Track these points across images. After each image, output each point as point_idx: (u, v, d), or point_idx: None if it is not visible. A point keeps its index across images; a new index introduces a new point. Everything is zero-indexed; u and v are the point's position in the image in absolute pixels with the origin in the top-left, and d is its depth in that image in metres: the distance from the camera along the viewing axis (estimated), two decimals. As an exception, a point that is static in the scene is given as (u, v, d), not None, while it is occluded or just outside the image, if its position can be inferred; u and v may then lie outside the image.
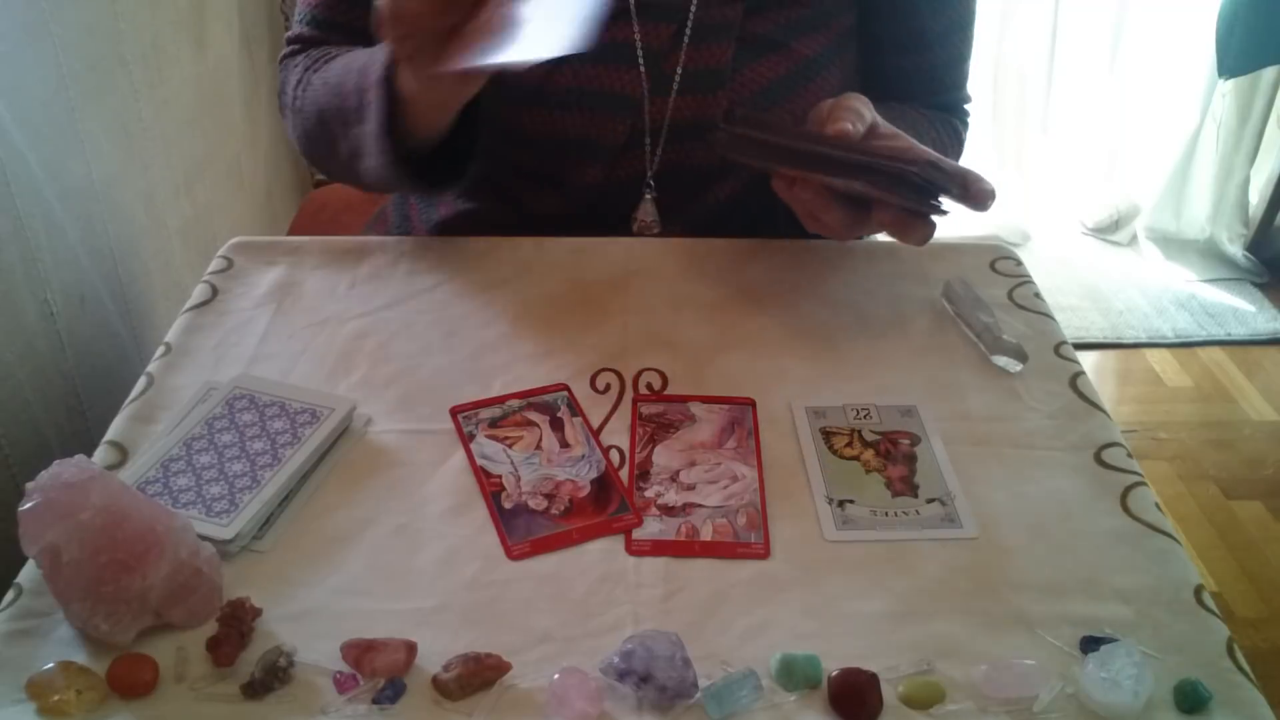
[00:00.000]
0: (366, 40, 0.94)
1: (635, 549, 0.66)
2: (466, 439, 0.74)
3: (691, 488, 0.70)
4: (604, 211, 0.96)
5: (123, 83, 1.21)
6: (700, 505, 0.69)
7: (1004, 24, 2.47)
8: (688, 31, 0.91)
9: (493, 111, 0.91)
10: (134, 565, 0.57)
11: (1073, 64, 2.51)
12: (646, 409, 0.77)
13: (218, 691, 0.57)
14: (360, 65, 0.85)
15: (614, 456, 0.73)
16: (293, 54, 1.00)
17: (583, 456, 0.72)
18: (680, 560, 0.65)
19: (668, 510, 0.69)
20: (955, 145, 1.05)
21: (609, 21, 0.89)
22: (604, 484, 0.70)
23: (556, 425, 0.75)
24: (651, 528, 0.67)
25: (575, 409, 0.76)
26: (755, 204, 0.91)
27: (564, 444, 0.73)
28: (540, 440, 0.74)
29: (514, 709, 0.56)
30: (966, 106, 1.08)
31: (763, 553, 0.66)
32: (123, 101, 1.21)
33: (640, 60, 0.91)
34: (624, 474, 0.71)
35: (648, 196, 0.96)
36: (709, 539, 0.67)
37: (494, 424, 0.75)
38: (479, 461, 0.72)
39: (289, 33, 1.01)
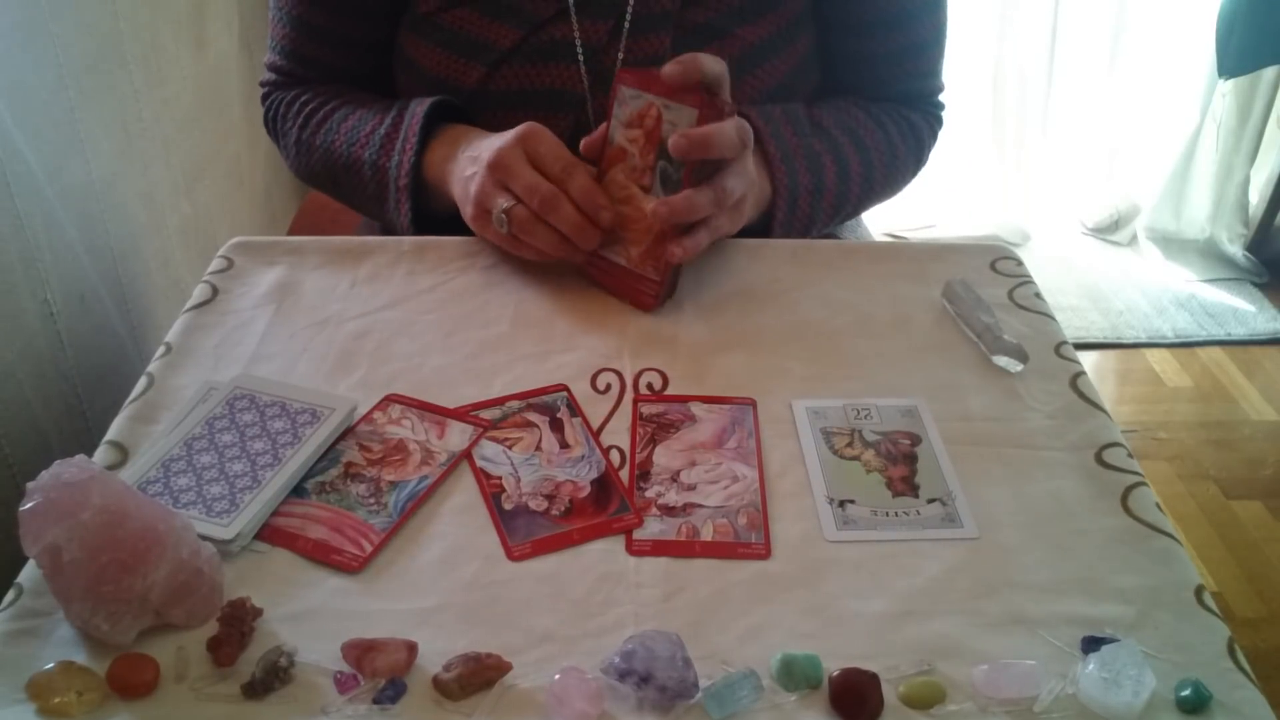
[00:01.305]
0: (333, 73, 1.03)
1: (636, 549, 0.66)
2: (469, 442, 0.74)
3: (692, 488, 0.70)
4: None
5: (123, 83, 1.21)
6: (701, 505, 0.69)
7: (1004, 24, 2.47)
8: (626, 25, 0.92)
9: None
10: (134, 565, 0.57)
11: (1073, 64, 2.51)
12: (647, 409, 0.77)
13: (218, 691, 0.57)
14: (374, 161, 0.94)
15: (614, 457, 0.73)
16: (274, 86, 1.05)
17: (582, 457, 0.72)
18: (680, 560, 0.65)
19: (668, 510, 0.69)
20: (911, 139, 1.03)
21: (547, 21, 0.91)
22: (604, 484, 0.70)
23: (556, 426, 0.75)
24: (652, 528, 0.67)
25: (575, 409, 0.76)
26: None
27: (563, 445, 0.73)
28: (540, 441, 0.74)
29: (514, 709, 0.56)
30: (939, 98, 1.07)
31: (763, 553, 0.66)
32: (123, 101, 1.21)
33: (580, 56, 0.92)
34: (624, 474, 0.71)
35: None
36: (709, 539, 0.67)
37: (494, 425, 0.75)
38: (479, 463, 0.72)
39: (266, 59, 1.06)
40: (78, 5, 1.09)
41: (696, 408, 0.77)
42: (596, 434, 0.75)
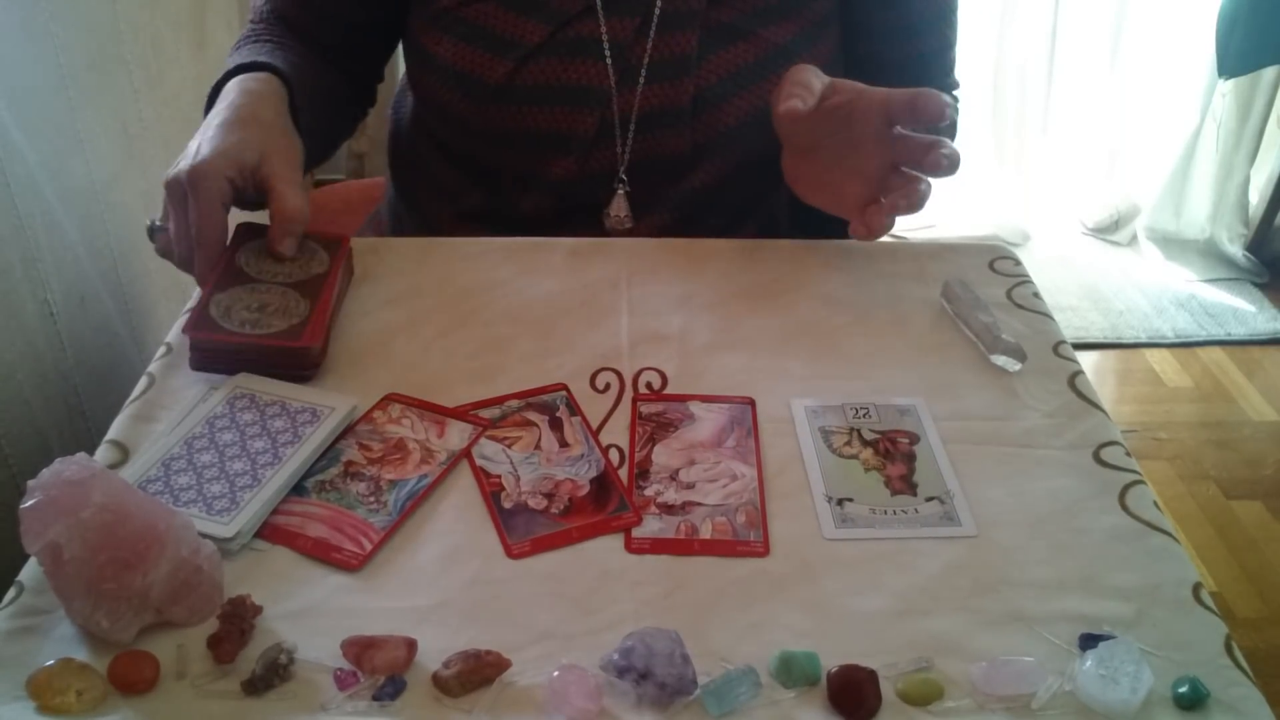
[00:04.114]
0: (311, 41, 0.99)
1: (635, 547, 0.66)
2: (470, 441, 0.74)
3: (691, 486, 0.71)
4: (581, 206, 0.96)
5: (123, 83, 1.21)
6: (699, 504, 0.69)
7: (1004, 24, 2.47)
8: (654, 22, 0.92)
9: (460, 110, 0.93)
10: (135, 563, 0.57)
11: (1073, 64, 2.51)
12: (646, 408, 0.77)
13: (218, 689, 0.57)
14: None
15: (613, 455, 0.73)
16: (243, 39, 1.02)
17: (582, 456, 0.73)
18: (680, 558, 0.65)
19: (667, 509, 0.69)
20: (948, 131, 1.03)
21: (574, 18, 0.91)
22: (603, 483, 0.70)
23: (555, 425, 0.75)
24: (651, 526, 0.67)
25: (574, 408, 0.77)
26: (734, 196, 0.91)
27: (563, 444, 0.74)
28: (539, 440, 0.74)
29: (514, 706, 0.56)
30: (955, 93, 1.07)
31: (761, 551, 0.66)
32: (123, 101, 1.21)
33: (606, 53, 0.92)
34: (623, 473, 0.72)
35: (619, 191, 0.96)
36: (708, 537, 0.67)
37: (493, 424, 0.75)
38: (478, 462, 0.72)
39: (249, 18, 1.03)
40: (78, 5, 1.09)
41: (695, 407, 0.77)
42: (595, 433, 0.75)
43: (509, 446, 0.73)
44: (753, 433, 0.75)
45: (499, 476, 0.71)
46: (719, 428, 0.75)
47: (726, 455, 0.73)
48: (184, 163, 0.79)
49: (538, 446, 0.73)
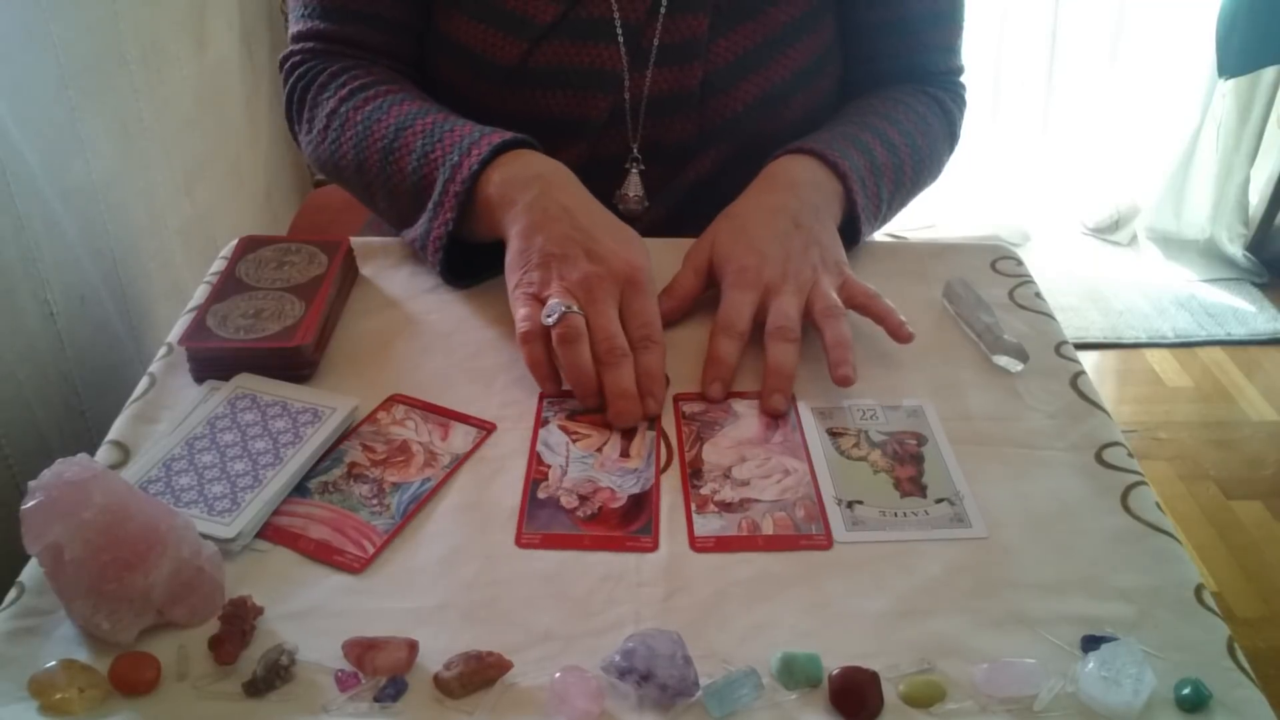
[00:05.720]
0: (384, 30, 0.95)
1: (699, 546, 0.66)
2: (540, 422, 0.75)
3: (746, 483, 0.70)
4: (591, 192, 0.96)
5: (123, 83, 1.21)
6: (757, 500, 0.69)
7: (1004, 24, 2.47)
8: (664, 4, 0.92)
9: (474, 94, 0.92)
10: (136, 564, 0.57)
11: (1073, 64, 2.51)
12: (689, 408, 0.77)
13: (219, 690, 0.57)
14: (425, 151, 0.85)
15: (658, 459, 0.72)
16: (306, 55, 0.96)
17: (636, 471, 0.72)
18: (680, 560, 0.65)
19: (725, 506, 0.69)
20: (935, 108, 1.01)
21: None
22: (640, 502, 0.69)
23: (628, 434, 0.74)
24: (712, 524, 0.67)
25: (652, 423, 0.75)
26: (739, 178, 0.91)
27: (624, 454, 0.73)
28: (604, 444, 0.73)
29: (515, 707, 0.56)
30: (960, 79, 1.05)
31: (825, 543, 0.66)
32: (123, 101, 1.21)
33: (619, 35, 0.92)
34: (670, 476, 0.71)
35: (634, 171, 0.96)
36: (770, 533, 0.67)
37: (571, 416, 0.75)
38: (538, 447, 0.72)
39: (294, 29, 0.97)
40: (78, 5, 1.09)
41: (737, 404, 0.77)
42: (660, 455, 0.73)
43: (574, 442, 0.73)
44: (798, 428, 0.75)
45: (549, 467, 0.71)
46: (764, 424, 0.75)
47: (775, 451, 0.73)
48: (612, 244, 0.78)
49: (599, 450, 0.73)
